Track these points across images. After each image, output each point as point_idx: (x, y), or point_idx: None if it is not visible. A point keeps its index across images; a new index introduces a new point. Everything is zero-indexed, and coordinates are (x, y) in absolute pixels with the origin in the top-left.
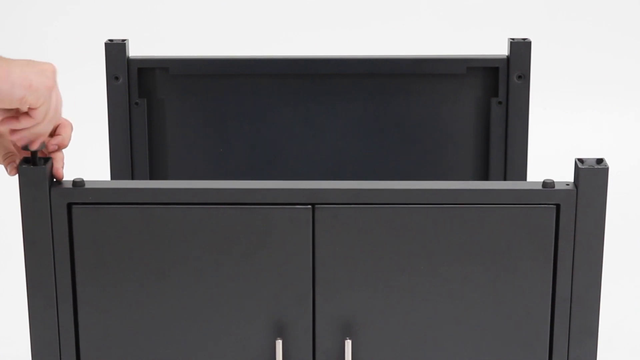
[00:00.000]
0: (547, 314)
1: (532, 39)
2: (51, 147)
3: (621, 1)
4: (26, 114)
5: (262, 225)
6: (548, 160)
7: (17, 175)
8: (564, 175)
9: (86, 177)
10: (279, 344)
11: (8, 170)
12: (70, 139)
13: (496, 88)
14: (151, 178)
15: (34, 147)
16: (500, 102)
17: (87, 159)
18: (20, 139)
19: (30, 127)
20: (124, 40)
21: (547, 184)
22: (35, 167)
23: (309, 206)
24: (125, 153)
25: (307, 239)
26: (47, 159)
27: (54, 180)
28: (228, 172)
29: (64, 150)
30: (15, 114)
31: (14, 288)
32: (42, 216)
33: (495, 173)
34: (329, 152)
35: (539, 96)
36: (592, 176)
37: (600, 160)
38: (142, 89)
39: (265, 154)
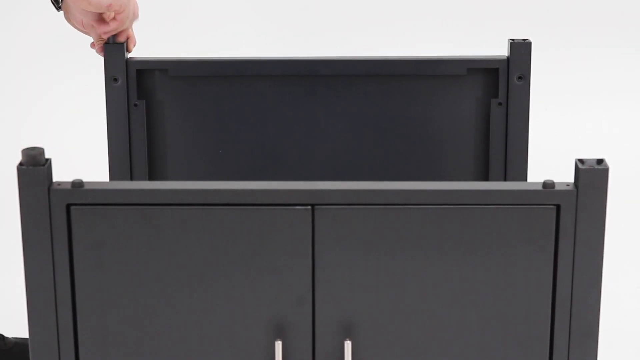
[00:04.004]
0: (547, 315)
1: (532, 40)
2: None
3: (621, 1)
4: (114, 19)
5: (262, 226)
6: (548, 161)
7: (16, 176)
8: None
9: (85, 178)
10: (278, 345)
11: (97, 49)
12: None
13: (496, 89)
14: (150, 179)
15: (121, 39)
16: (500, 103)
17: (86, 160)
18: (109, 33)
19: (118, 28)
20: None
21: (548, 185)
22: (35, 167)
23: (309, 207)
24: (124, 154)
25: (306, 240)
26: (46, 160)
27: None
28: (227, 174)
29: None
30: (103, 19)
31: (13, 289)
32: (41, 217)
33: (495, 173)
34: (329, 153)
35: (539, 97)
36: (592, 177)
37: (600, 161)
38: (141, 91)
39: (264, 154)
